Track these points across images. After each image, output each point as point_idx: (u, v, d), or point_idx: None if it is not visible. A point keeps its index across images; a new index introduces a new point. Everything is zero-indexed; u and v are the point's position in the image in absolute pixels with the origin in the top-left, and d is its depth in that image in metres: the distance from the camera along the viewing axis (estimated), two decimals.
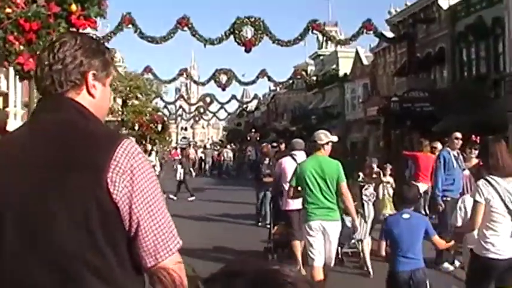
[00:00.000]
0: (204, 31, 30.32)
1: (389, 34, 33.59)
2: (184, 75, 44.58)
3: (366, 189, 10.27)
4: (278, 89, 70.40)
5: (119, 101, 25.17)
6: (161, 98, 58.81)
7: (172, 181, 29.93)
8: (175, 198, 20.55)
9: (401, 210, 5.74)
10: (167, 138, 79.26)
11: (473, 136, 9.07)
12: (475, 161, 8.76)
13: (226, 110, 74.75)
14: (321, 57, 56.88)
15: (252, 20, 30.42)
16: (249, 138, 60.34)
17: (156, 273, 1.97)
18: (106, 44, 29.55)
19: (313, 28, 30.54)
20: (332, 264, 7.62)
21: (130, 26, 29.34)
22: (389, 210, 10.37)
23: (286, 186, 8.61)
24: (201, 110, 78.02)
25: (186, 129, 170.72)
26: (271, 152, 14.94)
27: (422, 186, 11.44)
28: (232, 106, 76.93)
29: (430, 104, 28.86)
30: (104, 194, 1.91)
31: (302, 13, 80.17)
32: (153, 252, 1.95)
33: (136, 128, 34.49)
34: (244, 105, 79.86)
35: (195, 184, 28.97)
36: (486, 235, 5.29)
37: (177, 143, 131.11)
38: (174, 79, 43.61)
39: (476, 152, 8.91)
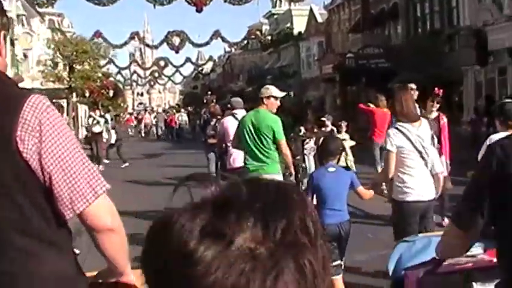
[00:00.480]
0: None
1: None
2: (136, 39, 43.50)
3: (306, 143, 10.72)
4: (233, 50, 69.49)
5: (66, 66, 24.01)
6: (114, 63, 57.29)
7: (127, 148, 29.29)
8: (106, 162, 20.13)
9: (326, 164, 5.73)
10: (122, 104, 77.90)
11: (436, 88, 8.58)
12: (435, 114, 8.39)
13: (181, 74, 73.16)
14: (275, 16, 56.07)
15: None
16: (205, 101, 59.40)
17: (82, 222, 2.03)
18: (51, 7, 28.36)
19: None
20: None
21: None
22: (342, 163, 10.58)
23: (229, 144, 8.74)
24: (156, 75, 76.44)
25: (142, 94, 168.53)
26: (219, 112, 14.25)
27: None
28: (188, 69, 75.71)
29: (386, 60, 28.67)
30: (15, 154, 1.91)
31: None
32: (69, 205, 1.95)
33: (87, 94, 33.46)
34: (200, 68, 78.68)
35: (152, 149, 28.32)
36: (403, 180, 5.44)
37: (133, 109, 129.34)
38: (126, 43, 42.44)
39: (438, 105, 8.55)
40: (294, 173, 8.02)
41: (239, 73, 66.63)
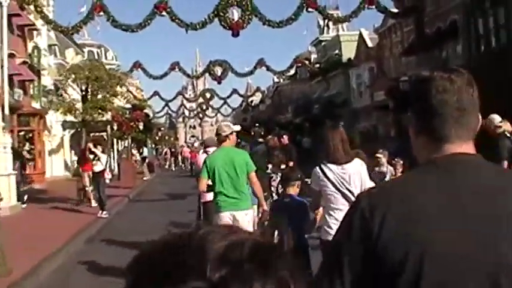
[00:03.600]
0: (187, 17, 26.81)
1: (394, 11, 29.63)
2: (176, 69, 41.06)
3: (274, 180, 10.84)
4: (282, 80, 67.20)
5: (78, 96, 21.30)
6: (159, 96, 55.47)
7: (158, 185, 26.46)
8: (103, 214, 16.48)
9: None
10: (167, 137, 76.40)
11: None
12: None
13: (229, 106, 70.87)
14: (323, 43, 53.15)
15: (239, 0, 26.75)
16: (252, 133, 57.42)
17: None
18: (77, 34, 25.81)
19: (307, 5, 26.71)
20: None
21: (102, 13, 25.57)
22: None
23: None
24: (204, 107, 74.41)
25: (194, 127, 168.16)
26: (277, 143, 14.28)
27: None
28: (237, 101, 73.70)
29: None
30: None
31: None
32: None
33: (115, 127, 31.08)
34: (250, 100, 76.42)
35: (179, 188, 25.25)
36: (328, 220, 5.52)
37: (185, 141, 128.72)
38: (166, 74, 40.15)
39: None
40: (265, 204, 7.85)
41: (287, 104, 63.75)
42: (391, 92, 27.81)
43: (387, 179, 11.26)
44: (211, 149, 9.50)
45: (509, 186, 1.64)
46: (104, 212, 16.11)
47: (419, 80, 1.83)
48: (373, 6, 25.80)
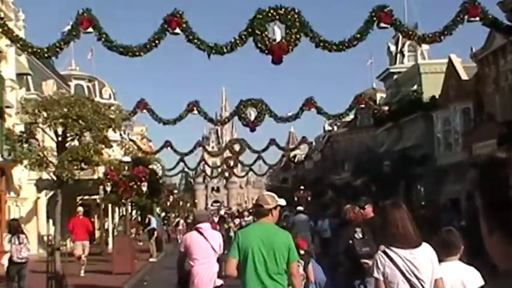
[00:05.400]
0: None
1: None
2: (195, 111, 39.04)
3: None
4: (335, 128, 65.33)
5: (53, 143, 18.74)
6: (172, 148, 53.73)
7: (169, 270, 24.07)
8: None
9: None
10: (181, 202, 74.49)
11: None
12: None
13: (265, 162, 68.80)
14: (395, 77, 51.46)
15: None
16: (296, 199, 56.01)
17: None
18: (55, 58, 23.87)
19: (379, 19, 24.27)
20: None
21: (90, 29, 24.27)
22: None
23: (193, 264, 9.84)
24: (230, 163, 72.53)
25: (218, 189, 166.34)
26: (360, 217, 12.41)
27: None
28: (275, 156, 72.29)
29: None
30: None
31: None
32: None
33: (109, 189, 28.79)
34: (291, 154, 74.72)
35: None
36: None
37: (206, 208, 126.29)
38: (181, 117, 38.34)
39: None
40: None
41: (343, 160, 62.62)
42: (505, 139, 25.21)
43: None
44: (203, 225, 10.12)
45: None
46: None
47: (494, 163, 1.83)
48: (477, 18, 23.49)
